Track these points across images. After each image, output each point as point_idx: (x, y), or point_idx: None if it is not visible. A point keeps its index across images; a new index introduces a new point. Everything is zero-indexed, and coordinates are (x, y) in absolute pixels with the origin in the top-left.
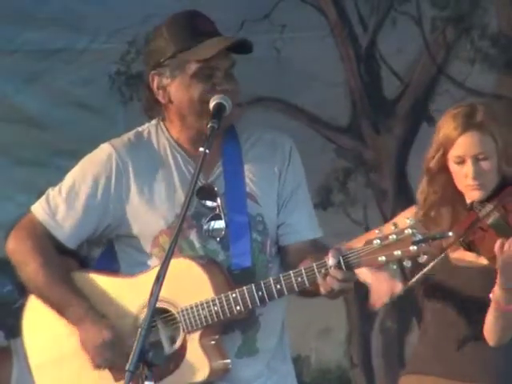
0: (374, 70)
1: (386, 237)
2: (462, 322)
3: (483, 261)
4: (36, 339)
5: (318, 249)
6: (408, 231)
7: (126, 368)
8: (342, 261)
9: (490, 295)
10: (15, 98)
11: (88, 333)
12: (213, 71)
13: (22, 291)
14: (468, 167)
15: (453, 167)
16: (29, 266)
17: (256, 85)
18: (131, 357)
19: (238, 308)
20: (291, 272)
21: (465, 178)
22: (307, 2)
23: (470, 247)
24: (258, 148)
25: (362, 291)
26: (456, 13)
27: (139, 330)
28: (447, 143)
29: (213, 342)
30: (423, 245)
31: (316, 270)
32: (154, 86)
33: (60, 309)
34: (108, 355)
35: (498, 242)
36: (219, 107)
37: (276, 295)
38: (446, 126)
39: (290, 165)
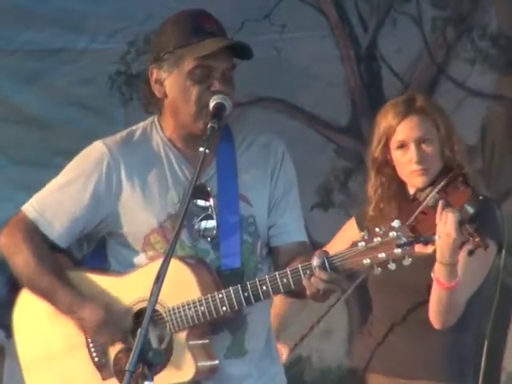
0: (375, 70)
1: (371, 239)
2: (405, 313)
3: (428, 250)
4: (26, 337)
5: (307, 251)
6: (393, 234)
7: (126, 368)
8: (326, 262)
9: (432, 274)
10: (15, 97)
11: (84, 315)
12: (210, 72)
13: (15, 289)
14: (411, 152)
15: (395, 155)
16: (19, 256)
17: (256, 85)
18: (131, 357)
19: (224, 309)
20: (277, 273)
21: (408, 164)
22: (307, 2)
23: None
24: (251, 150)
25: (362, 292)
26: (456, 13)
27: (139, 330)
28: (389, 131)
29: (200, 342)
30: (407, 248)
31: (301, 271)
32: (152, 79)
33: (50, 297)
34: (107, 330)
35: (438, 213)
36: (219, 107)
37: (262, 296)
38: (386, 117)
39: (282, 167)
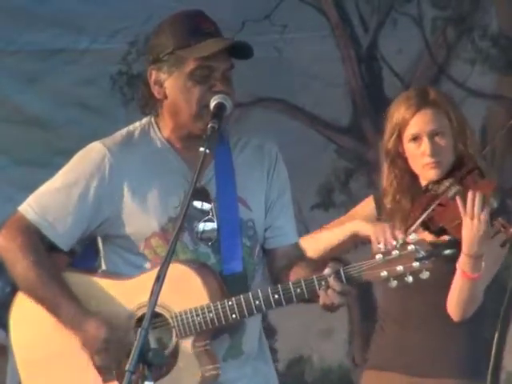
0: (375, 71)
1: (389, 252)
2: (424, 314)
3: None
4: (23, 339)
5: (302, 253)
6: (411, 247)
7: (126, 368)
8: (342, 273)
9: (457, 265)
10: (17, 98)
11: (87, 332)
12: (210, 72)
13: (16, 290)
14: (425, 145)
15: (409, 148)
16: (20, 263)
17: (257, 85)
18: (131, 357)
19: (234, 316)
20: (290, 283)
21: (422, 157)
22: (308, 2)
23: (429, 227)
24: (246, 152)
25: (363, 292)
26: (457, 13)
27: (139, 330)
28: (402, 124)
29: (204, 348)
30: (426, 261)
31: (316, 282)
32: (151, 80)
33: (52, 308)
34: (109, 352)
35: (460, 202)
36: (220, 107)
37: (274, 305)
38: (399, 109)
39: (276, 169)
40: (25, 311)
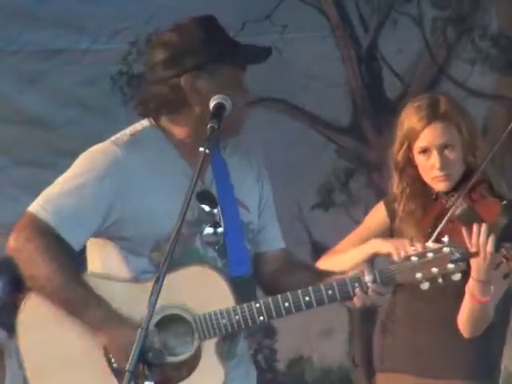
0: (375, 71)
1: (424, 254)
2: (433, 315)
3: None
4: (33, 344)
5: (292, 258)
6: (446, 249)
7: (126, 368)
8: (377, 275)
9: (466, 288)
10: (17, 98)
11: (113, 335)
12: (241, 79)
13: (17, 289)
14: (434, 158)
15: (418, 159)
16: (40, 266)
17: (257, 85)
18: (131, 357)
19: (262, 318)
20: (321, 285)
21: (431, 170)
22: (308, 2)
23: (437, 239)
24: (236, 155)
25: None
26: (457, 13)
27: (139, 330)
28: (412, 135)
29: (221, 349)
30: (461, 263)
31: (349, 284)
32: (187, 87)
33: (78, 311)
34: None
35: (465, 233)
36: (220, 107)
37: (304, 307)
38: (410, 119)
39: (263, 171)
40: (34, 315)
